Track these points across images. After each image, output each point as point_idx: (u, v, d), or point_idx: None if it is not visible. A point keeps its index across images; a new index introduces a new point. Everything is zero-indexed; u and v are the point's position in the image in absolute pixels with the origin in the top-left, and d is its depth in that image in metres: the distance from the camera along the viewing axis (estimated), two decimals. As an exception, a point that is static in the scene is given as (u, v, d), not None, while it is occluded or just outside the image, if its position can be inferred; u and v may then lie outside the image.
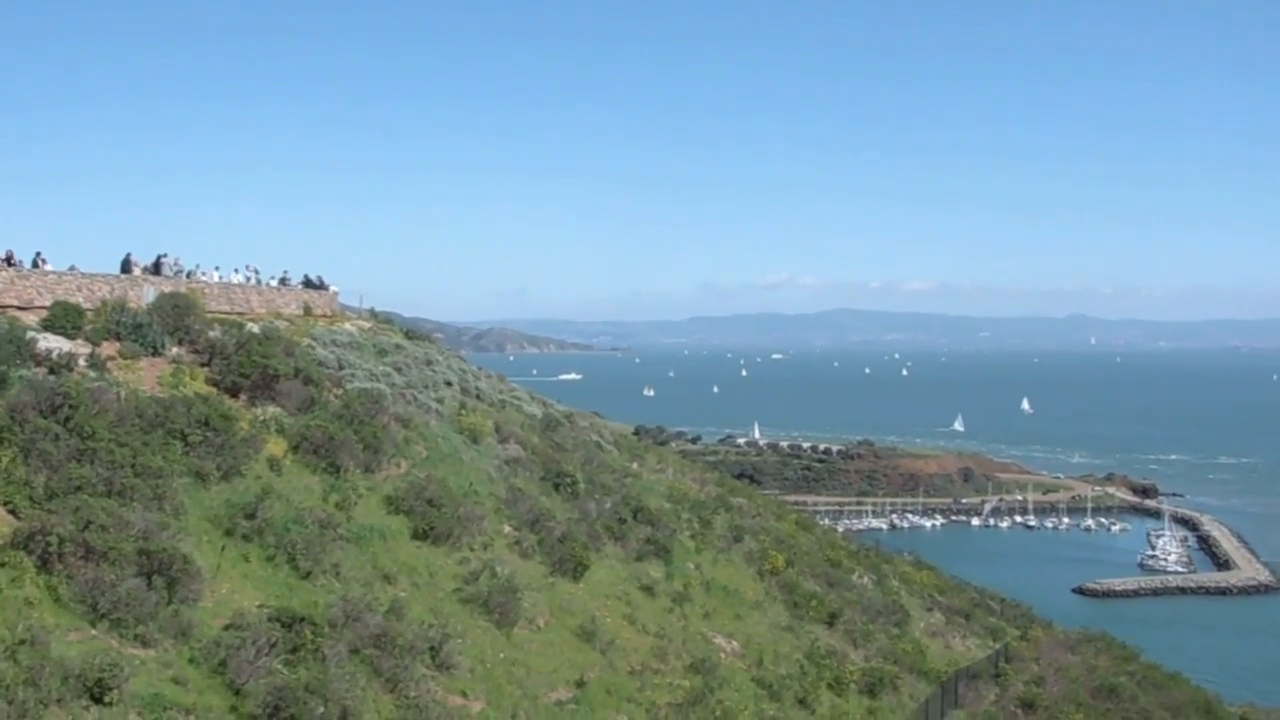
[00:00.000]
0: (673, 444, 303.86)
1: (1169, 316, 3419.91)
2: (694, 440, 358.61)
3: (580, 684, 33.99)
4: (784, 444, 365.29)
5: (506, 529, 42.09)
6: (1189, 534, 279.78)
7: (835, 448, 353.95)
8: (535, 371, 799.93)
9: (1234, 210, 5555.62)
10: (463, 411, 52.05)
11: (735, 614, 47.24)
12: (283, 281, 62.27)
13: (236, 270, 58.95)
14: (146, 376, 39.16)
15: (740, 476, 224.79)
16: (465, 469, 45.57)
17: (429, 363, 57.01)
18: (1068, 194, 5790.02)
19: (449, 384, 55.39)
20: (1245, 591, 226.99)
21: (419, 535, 37.27)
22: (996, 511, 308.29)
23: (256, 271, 60.31)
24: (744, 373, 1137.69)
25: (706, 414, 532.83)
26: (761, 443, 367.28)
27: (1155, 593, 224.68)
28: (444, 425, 49.10)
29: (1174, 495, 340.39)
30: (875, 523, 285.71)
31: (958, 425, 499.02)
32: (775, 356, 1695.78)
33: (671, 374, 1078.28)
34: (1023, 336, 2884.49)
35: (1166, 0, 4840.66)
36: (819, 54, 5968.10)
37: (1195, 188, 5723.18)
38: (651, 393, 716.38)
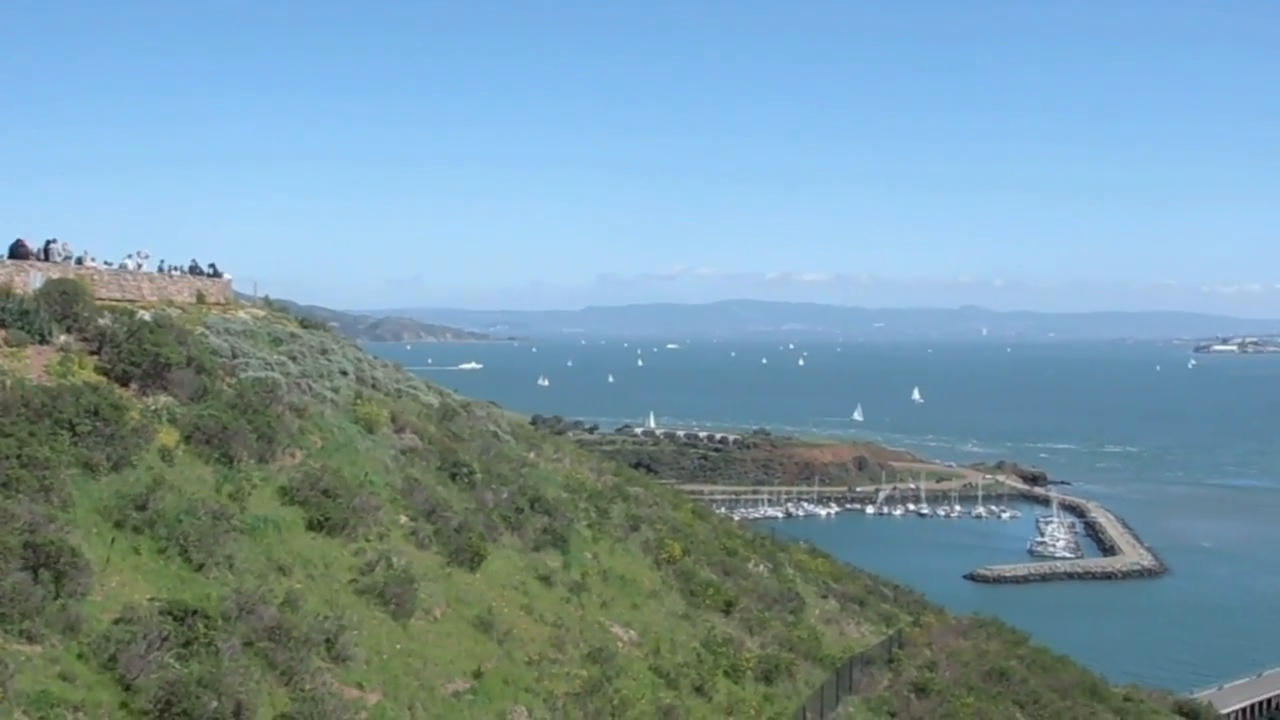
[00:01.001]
0: (570, 434, 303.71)
1: (1058, 308, 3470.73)
2: (591, 430, 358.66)
3: (478, 674, 33.87)
4: (680, 434, 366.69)
5: (403, 519, 41.80)
6: (1076, 521, 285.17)
7: (731, 437, 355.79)
8: (430, 361, 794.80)
9: (1119, 205, 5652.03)
10: (358, 401, 51.58)
11: (632, 603, 47.31)
12: (175, 269, 61.28)
13: (130, 256, 57.87)
14: (33, 365, 38.31)
15: (637, 466, 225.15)
16: (361, 459, 45.19)
17: (324, 351, 56.42)
18: (960, 186, 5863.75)
19: (344, 373, 54.84)
20: (1130, 576, 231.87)
21: (314, 526, 36.88)
22: (890, 500, 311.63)
23: (147, 258, 59.26)
24: (640, 363, 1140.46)
25: (603, 404, 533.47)
26: (658, 432, 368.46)
27: (1044, 578, 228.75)
28: (339, 415, 48.64)
29: (1062, 483, 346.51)
30: (771, 511, 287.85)
31: (857, 415, 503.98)
32: (670, 346, 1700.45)
33: (569, 364, 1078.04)
34: (916, 327, 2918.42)
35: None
36: (715, 41, 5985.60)
37: (1083, 182, 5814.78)
38: (546, 383, 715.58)
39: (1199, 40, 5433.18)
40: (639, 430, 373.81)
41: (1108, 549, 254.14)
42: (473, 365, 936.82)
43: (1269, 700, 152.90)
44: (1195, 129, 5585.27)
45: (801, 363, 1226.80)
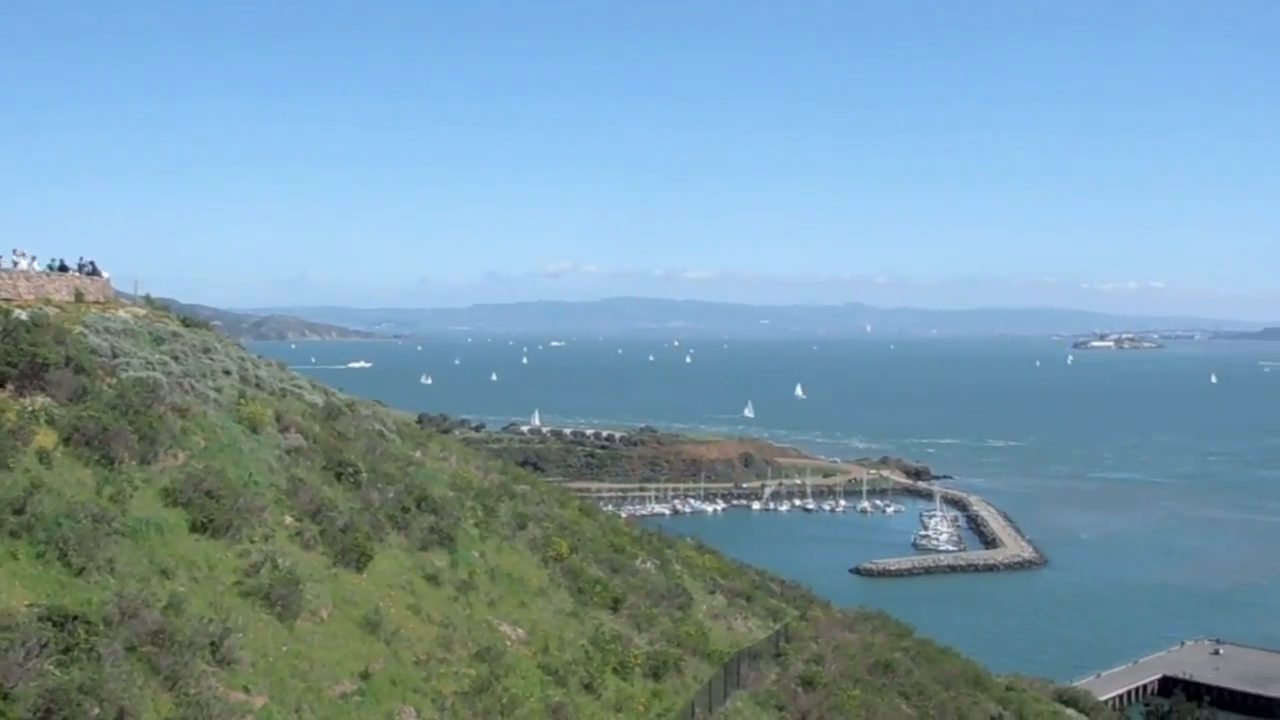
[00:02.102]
0: (456, 432, 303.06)
1: (940, 305, 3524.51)
2: (477, 428, 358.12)
3: (365, 675, 33.66)
4: (567, 431, 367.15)
5: (288, 520, 41.39)
6: (959, 514, 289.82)
7: (619, 435, 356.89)
8: (314, 360, 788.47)
9: (999, 203, 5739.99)
10: (242, 401, 50.97)
11: (520, 601, 47.27)
12: (52, 267, 60.13)
13: (15, 254, 56.70)
14: (-97, 368, 37.42)
15: (524, 464, 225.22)
16: (245, 459, 44.66)
17: (207, 351, 55.68)
18: (845, 183, 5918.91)
19: (228, 373, 54.17)
20: (1011, 568, 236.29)
21: (197, 528, 36.39)
22: (776, 495, 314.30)
23: (33, 258, 58.12)
24: (525, 360, 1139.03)
25: (488, 402, 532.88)
26: (545, 430, 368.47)
27: (928, 571, 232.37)
28: (223, 415, 48.03)
29: (945, 477, 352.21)
30: (658, 508, 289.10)
31: (748, 412, 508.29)
32: (555, 344, 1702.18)
33: (457, 362, 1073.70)
34: (802, 324, 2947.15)
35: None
36: (599, 37, 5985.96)
37: (964, 180, 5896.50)
38: (430, 381, 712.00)
39: (1083, 28, 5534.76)
40: (525, 428, 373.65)
41: (989, 542, 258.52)
42: (362, 364, 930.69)
43: (1144, 686, 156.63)
44: (1073, 125, 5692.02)
45: (689, 360, 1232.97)
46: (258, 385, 56.69)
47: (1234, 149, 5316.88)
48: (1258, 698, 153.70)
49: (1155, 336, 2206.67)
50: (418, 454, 64.98)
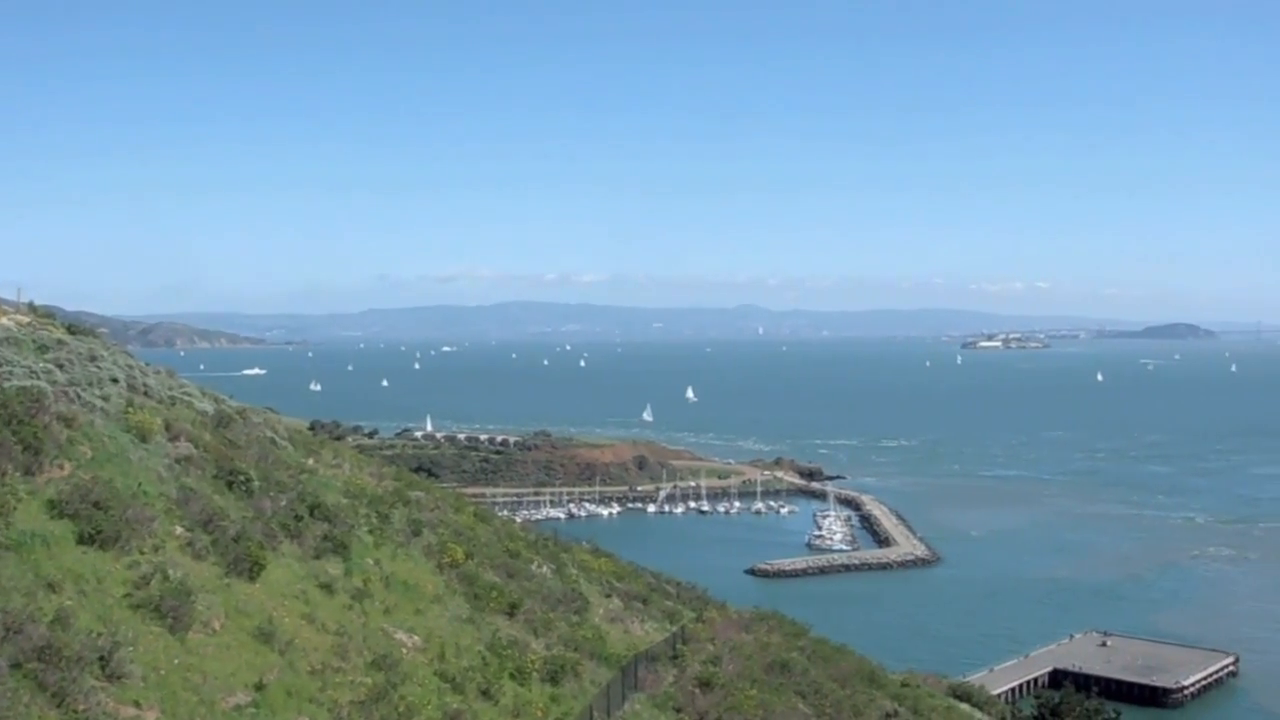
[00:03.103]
0: (349, 439, 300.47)
1: (832, 307, 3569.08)
2: (371, 434, 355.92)
3: (259, 686, 33.23)
4: (461, 436, 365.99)
5: (178, 530, 40.75)
6: (852, 514, 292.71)
7: (513, 439, 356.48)
8: (203, 367, 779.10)
9: (889, 205, 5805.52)
10: (130, 409, 50.09)
11: (416, 608, 46.94)
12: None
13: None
14: None
15: (418, 470, 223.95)
16: (133, 469, 43.90)
17: (93, 359, 54.65)
18: (737, 187, 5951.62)
19: (115, 381, 53.21)
20: (904, 566, 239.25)
21: (85, 540, 35.69)
22: (671, 498, 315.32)
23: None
24: (417, 365, 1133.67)
25: (381, 408, 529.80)
26: (438, 436, 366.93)
27: (823, 570, 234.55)
28: (110, 424, 47.18)
29: (838, 478, 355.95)
30: (553, 512, 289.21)
31: (647, 415, 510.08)
32: (445, 349, 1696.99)
33: (350, 368, 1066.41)
34: (694, 327, 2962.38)
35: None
36: (487, 44, 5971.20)
37: (855, 181, 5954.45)
38: (319, 387, 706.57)
39: (964, 35, 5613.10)
40: (419, 434, 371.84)
41: (883, 541, 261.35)
42: (257, 371, 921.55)
43: (1035, 679, 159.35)
44: (957, 129, 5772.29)
45: (583, 364, 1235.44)
46: (146, 393, 55.77)
47: (1114, 150, 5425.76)
48: (1143, 686, 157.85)
49: (1041, 336, 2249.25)
50: (310, 461, 64.28)
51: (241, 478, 49.74)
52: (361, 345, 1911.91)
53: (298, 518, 48.53)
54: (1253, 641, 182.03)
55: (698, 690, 53.62)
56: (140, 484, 42.54)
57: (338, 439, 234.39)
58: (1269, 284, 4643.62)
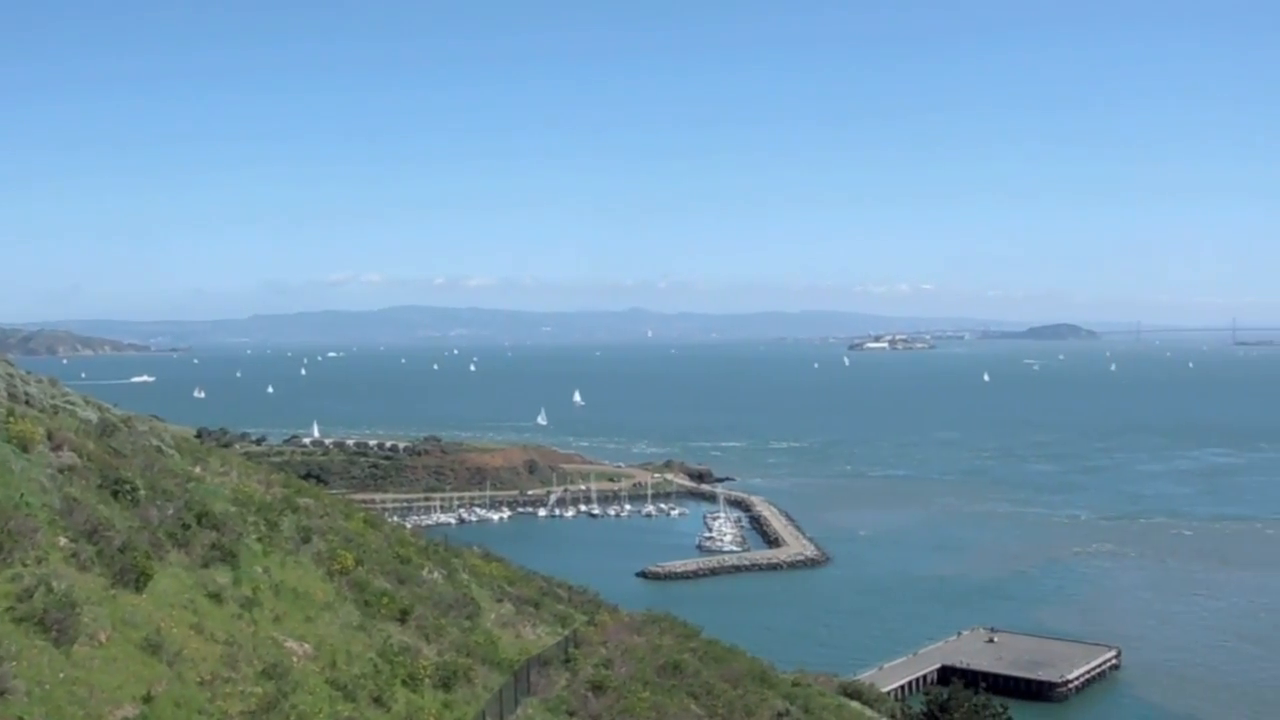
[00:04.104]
0: (237, 446, 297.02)
1: (720, 309, 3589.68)
2: (258, 441, 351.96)
3: (147, 699, 32.83)
4: (350, 442, 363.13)
5: (62, 541, 40.12)
6: (742, 515, 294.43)
7: (402, 445, 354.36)
8: (84, 375, 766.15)
9: (774, 207, 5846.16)
10: (11, 419, 49.21)
11: (306, 616, 46.58)
12: None
13: None
14: None
15: (307, 476, 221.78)
16: (15, 480, 43.14)
17: (-30, 368, 53.64)
18: (625, 191, 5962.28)
19: (-7, 390, 52.26)
20: (794, 566, 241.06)
21: (-35, 553, 35.10)
22: (562, 502, 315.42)
23: None
24: (304, 372, 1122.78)
25: (267, 415, 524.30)
26: (327, 442, 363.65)
27: (713, 572, 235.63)
28: (-11, 435, 46.34)
29: (727, 479, 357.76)
30: (444, 517, 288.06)
31: (541, 419, 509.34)
32: (331, 355, 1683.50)
33: (239, 374, 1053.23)
34: (584, 330, 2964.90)
35: None
36: (363, 42, 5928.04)
37: (741, 186, 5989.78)
38: (202, 394, 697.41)
39: (848, 47, 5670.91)
40: (307, 440, 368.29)
41: (773, 541, 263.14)
42: (145, 378, 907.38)
43: (924, 676, 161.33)
44: (845, 134, 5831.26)
45: (473, 368, 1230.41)
46: (27, 402, 54.81)
47: (997, 155, 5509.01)
48: (1030, 681, 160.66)
49: (927, 337, 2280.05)
50: (197, 469, 63.51)
51: (127, 487, 49.05)
52: (249, 351, 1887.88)
53: (185, 526, 47.95)
54: (1134, 635, 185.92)
55: (590, 694, 53.75)
56: (22, 495, 41.83)
57: (225, 446, 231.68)
58: (1148, 286, 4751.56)
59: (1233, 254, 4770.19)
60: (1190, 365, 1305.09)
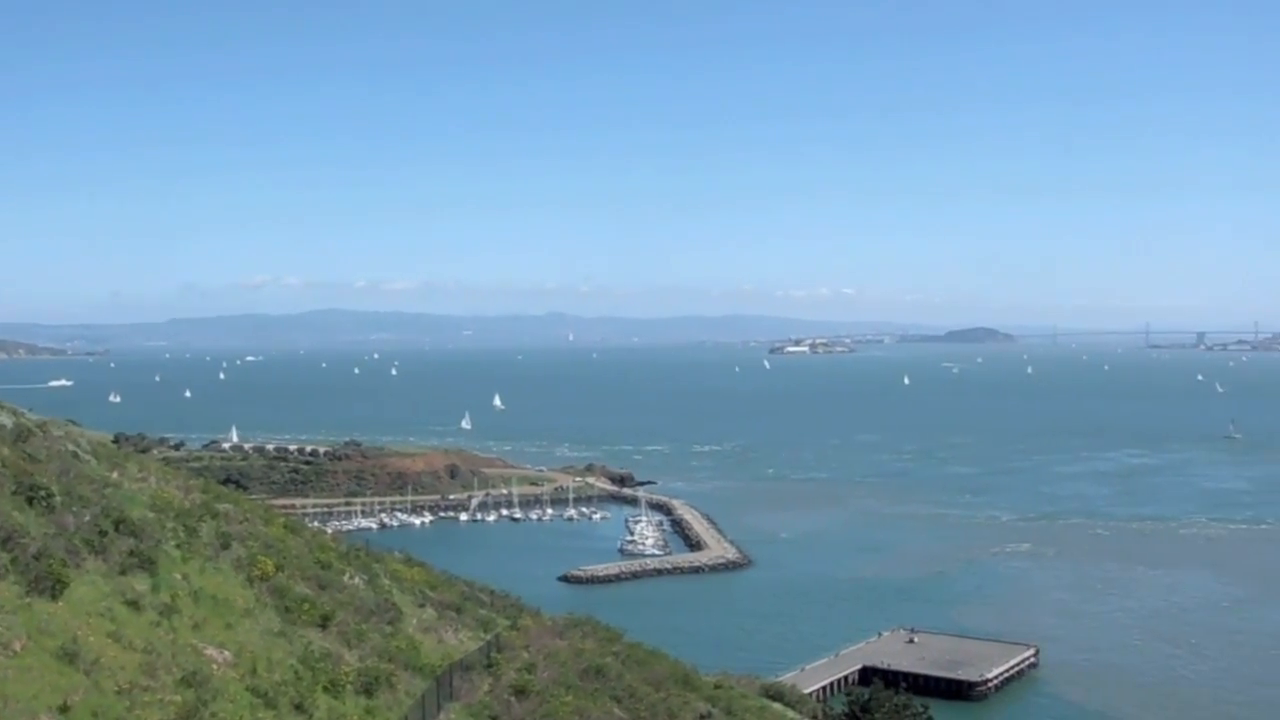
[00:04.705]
0: (155, 451, 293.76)
1: (641, 313, 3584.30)
2: (177, 446, 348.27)
3: (64, 709, 32.43)
4: (270, 447, 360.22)
5: (-25, 549, 39.57)
6: (664, 519, 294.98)
7: (323, 449, 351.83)
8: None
9: (695, 211, 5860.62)
10: (-79, 425, 48.51)
11: (226, 623, 46.19)
12: None
13: None
14: None
15: (226, 482, 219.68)
16: (-74, 487, 42.53)
17: (-120, 374, 52.71)
18: (546, 195, 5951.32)
19: (-96, 396, 51.43)
20: (716, 569, 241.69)
21: (-125, 561, 34.51)
22: (483, 506, 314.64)
23: None
24: (223, 376, 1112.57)
25: (186, 419, 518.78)
26: (247, 447, 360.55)
27: (635, 575, 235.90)
28: (-100, 441, 45.61)
29: (649, 483, 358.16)
30: (365, 522, 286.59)
31: (465, 424, 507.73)
32: (250, 359, 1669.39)
33: (158, 378, 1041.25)
34: (505, 334, 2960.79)
35: None
36: (280, 41, 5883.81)
37: (659, 191, 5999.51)
38: (118, 399, 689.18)
39: (760, 48, 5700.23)
40: (227, 445, 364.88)
41: (694, 544, 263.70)
42: (63, 382, 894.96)
43: (846, 677, 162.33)
44: (764, 136, 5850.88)
45: (394, 372, 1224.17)
46: (-62, 408, 54.01)
47: (914, 159, 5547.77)
48: (949, 680, 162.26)
49: (847, 341, 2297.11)
50: (115, 475, 62.78)
51: (42, 493, 48.41)
52: (167, 355, 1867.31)
53: (102, 533, 47.41)
54: (1051, 634, 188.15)
55: (513, 698, 53.69)
56: (-66, 502, 41.25)
57: (143, 451, 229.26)
58: (1064, 290, 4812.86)
59: (1146, 259, 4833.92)
60: (1106, 368, 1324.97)
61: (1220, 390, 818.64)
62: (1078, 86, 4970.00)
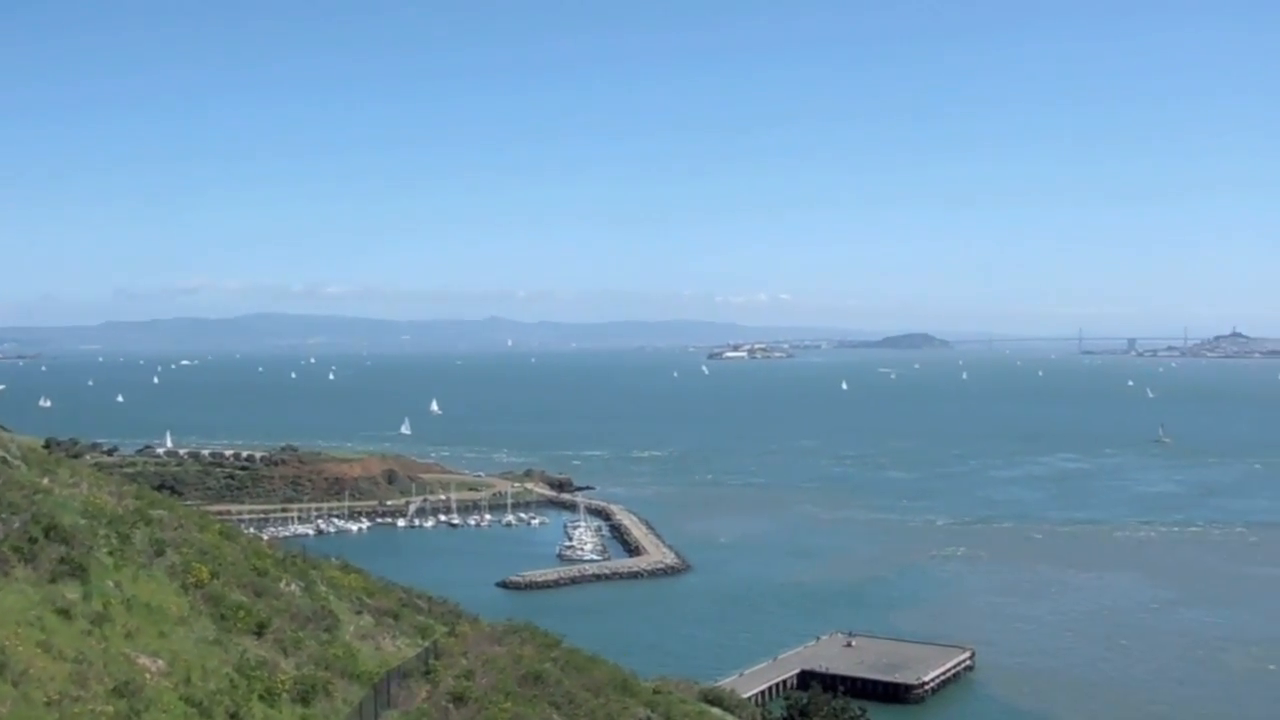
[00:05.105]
0: (88, 456, 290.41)
1: (580, 318, 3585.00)
2: (110, 452, 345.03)
3: (-9, 719, 31.88)
4: (205, 453, 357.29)
5: (-99, 557, 38.84)
6: (603, 524, 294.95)
7: (259, 454, 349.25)
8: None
9: (637, 218, 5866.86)
10: None
11: (159, 631, 45.56)
12: None
13: None
14: None
15: (160, 488, 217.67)
16: None
17: None
18: (482, 198, 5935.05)
19: None
20: (655, 574, 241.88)
21: None
22: (421, 512, 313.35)
23: None
24: (157, 380, 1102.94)
25: (119, 424, 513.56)
26: (182, 452, 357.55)
27: (574, 581, 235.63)
28: None
29: (587, 488, 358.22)
30: (302, 528, 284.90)
31: (404, 429, 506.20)
32: (185, 363, 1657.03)
33: (91, 383, 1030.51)
34: (443, 339, 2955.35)
35: None
36: (220, 45, 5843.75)
37: (599, 197, 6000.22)
38: (48, 404, 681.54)
39: (676, 59, 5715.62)
40: (161, 451, 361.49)
41: (633, 550, 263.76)
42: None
43: (784, 681, 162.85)
44: (703, 144, 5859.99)
45: (332, 377, 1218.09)
46: None
47: (848, 166, 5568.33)
48: (887, 684, 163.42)
49: (785, 346, 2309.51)
50: (45, 481, 61.89)
51: (-30, 500, 47.69)
52: (101, 359, 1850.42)
53: (32, 540, 46.70)
54: (987, 636, 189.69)
55: (451, 705, 53.32)
56: None
57: (75, 457, 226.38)
58: (999, 297, 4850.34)
59: (1079, 266, 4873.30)
60: (1040, 374, 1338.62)
61: (1151, 396, 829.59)
62: (1013, 95, 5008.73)
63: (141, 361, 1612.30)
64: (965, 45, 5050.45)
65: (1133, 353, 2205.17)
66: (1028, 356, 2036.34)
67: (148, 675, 40.57)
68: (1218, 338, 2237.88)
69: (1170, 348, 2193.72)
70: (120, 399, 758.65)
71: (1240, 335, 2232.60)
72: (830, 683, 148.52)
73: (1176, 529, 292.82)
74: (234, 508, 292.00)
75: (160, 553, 56.72)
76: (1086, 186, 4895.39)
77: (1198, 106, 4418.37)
